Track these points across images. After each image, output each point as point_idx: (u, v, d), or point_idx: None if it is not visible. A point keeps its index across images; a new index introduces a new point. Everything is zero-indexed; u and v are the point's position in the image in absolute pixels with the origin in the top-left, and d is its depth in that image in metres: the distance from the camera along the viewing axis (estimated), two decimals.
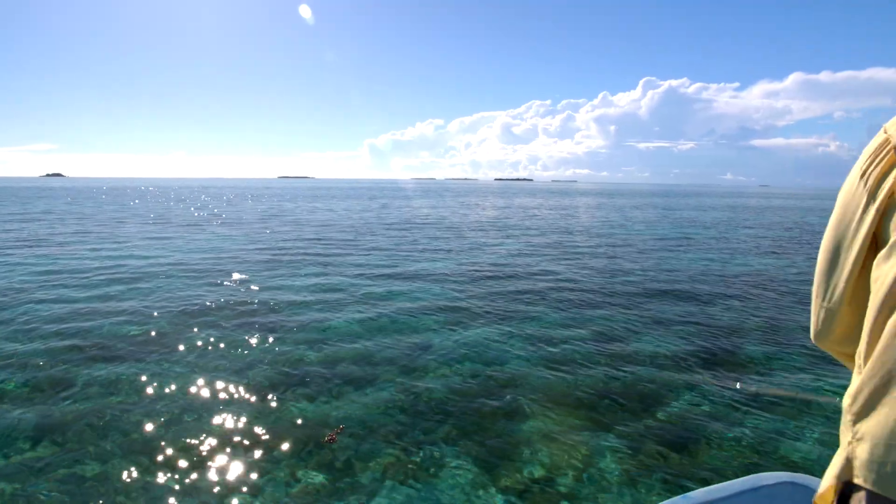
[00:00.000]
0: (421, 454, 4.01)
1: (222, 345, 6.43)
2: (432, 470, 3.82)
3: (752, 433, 4.36)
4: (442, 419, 4.56)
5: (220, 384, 5.26)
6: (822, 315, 0.94)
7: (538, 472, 3.80)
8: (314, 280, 10.49)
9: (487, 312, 8.05)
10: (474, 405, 4.82)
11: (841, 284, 0.90)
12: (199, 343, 6.47)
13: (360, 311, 7.99)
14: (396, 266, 12.24)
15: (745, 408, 4.83)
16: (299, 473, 3.77)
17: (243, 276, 10.75)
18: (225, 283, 10.12)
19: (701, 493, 1.43)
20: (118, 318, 7.47)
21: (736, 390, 5.22)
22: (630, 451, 4.07)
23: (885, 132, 0.90)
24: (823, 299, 0.93)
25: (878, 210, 0.86)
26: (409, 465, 3.87)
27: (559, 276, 11.15)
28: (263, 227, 22.46)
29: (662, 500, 1.40)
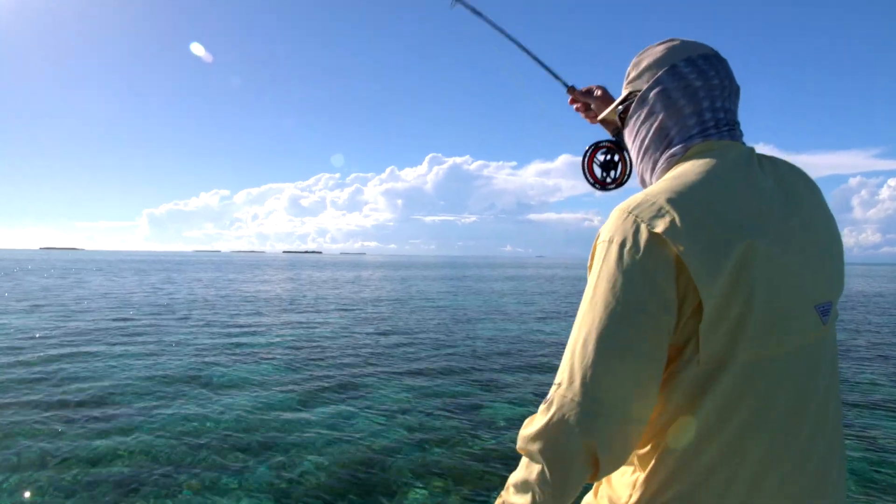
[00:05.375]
0: None
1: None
2: None
3: None
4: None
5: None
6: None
7: None
8: (145, 369, 9.09)
9: (328, 385, 7.86)
10: (357, 478, 4.69)
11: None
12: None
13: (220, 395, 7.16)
14: (214, 346, 11.21)
15: None
16: None
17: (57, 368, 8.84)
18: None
19: None
20: None
21: None
22: None
23: (641, 221, 0.82)
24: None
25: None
26: None
27: (379, 350, 11.32)
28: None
29: None
